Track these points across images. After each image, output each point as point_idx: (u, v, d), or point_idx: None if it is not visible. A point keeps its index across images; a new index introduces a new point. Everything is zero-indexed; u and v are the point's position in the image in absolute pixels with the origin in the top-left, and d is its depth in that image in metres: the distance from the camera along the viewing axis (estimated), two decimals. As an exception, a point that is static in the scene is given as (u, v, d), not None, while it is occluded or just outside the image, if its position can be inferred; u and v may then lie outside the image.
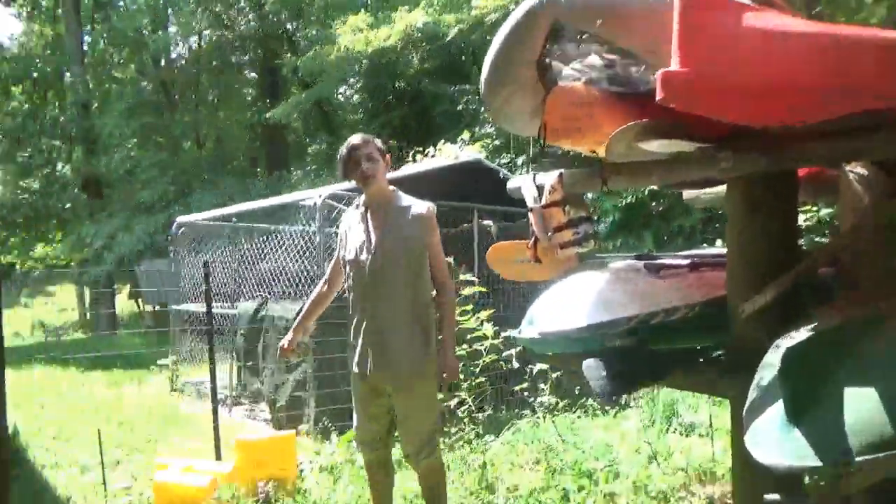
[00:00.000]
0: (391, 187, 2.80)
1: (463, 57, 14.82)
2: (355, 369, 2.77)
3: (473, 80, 15.17)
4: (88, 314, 20.47)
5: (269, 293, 6.86)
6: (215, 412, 3.82)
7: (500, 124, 2.43)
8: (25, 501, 3.66)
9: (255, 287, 6.67)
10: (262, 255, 6.99)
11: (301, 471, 3.76)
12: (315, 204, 5.42)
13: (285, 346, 2.88)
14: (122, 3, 20.54)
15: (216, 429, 3.77)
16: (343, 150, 2.72)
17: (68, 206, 18.93)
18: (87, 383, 8.01)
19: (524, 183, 2.59)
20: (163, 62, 21.12)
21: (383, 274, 2.67)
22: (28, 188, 19.73)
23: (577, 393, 4.97)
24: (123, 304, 21.32)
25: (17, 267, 21.23)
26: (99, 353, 9.46)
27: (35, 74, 19.73)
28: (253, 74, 22.07)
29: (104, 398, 6.98)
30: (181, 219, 7.71)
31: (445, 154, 8.64)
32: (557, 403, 4.52)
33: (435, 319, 2.77)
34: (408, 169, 6.82)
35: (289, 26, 19.10)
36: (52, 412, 6.14)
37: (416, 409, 2.69)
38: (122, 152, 17.33)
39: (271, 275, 6.86)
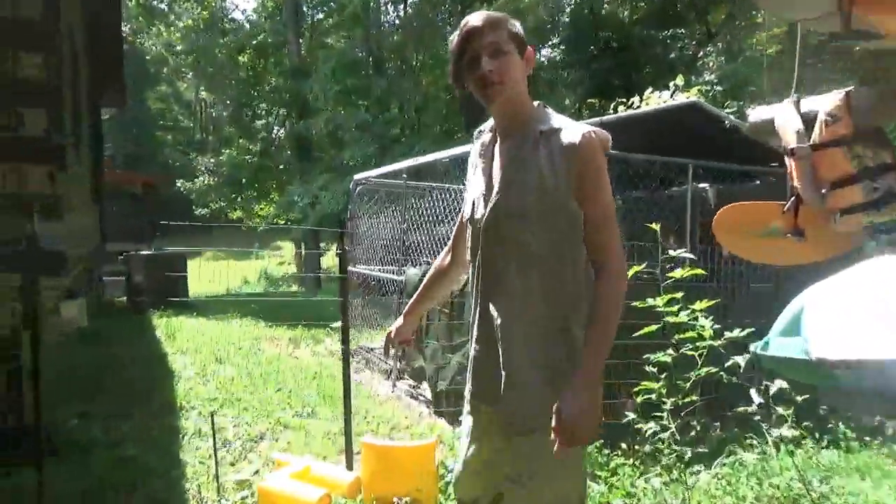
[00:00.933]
0: (535, 103, 1.73)
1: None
2: (466, 392, 1.84)
3: (690, 25, 13.22)
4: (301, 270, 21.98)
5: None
6: (348, 421, 3.08)
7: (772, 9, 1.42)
8: (121, 476, 3.31)
9: (425, 252, 6.04)
10: (435, 217, 6.33)
11: (447, 483, 2.99)
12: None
13: (392, 335, 2.05)
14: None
15: (348, 433, 3.06)
16: (454, 38, 1.69)
17: (282, 167, 20.23)
18: (269, 338, 8.06)
19: (781, 111, 1.60)
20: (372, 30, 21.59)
21: (502, 245, 1.65)
22: (251, 150, 21.39)
23: (825, 417, 3.62)
24: (331, 262, 22.58)
25: (243, 222, 23.31)
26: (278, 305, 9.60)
27: (255, 42, 21.10)
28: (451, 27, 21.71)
29: (276, 357, 6.86)
30: (358, 176, 7.31)
31: (653, 104, 7.28)
32: (803, 438, 3.24)
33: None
34: (600, 118, 5.67)
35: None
36: (224, 368, 6.07)
37: (535, 473, 1.58)
38: (325, 114, 17.88)
39: (443, 239, 6.18)
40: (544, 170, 1.61)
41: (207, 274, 17.76)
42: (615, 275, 1.57)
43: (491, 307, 1.68)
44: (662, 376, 2.61)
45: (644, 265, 2.58)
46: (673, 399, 2.63)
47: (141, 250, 12.89)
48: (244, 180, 20.48)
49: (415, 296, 2.07)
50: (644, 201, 5.26)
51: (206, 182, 21.32)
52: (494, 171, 1.72)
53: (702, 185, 6.74)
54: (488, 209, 1.68)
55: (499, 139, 1.75)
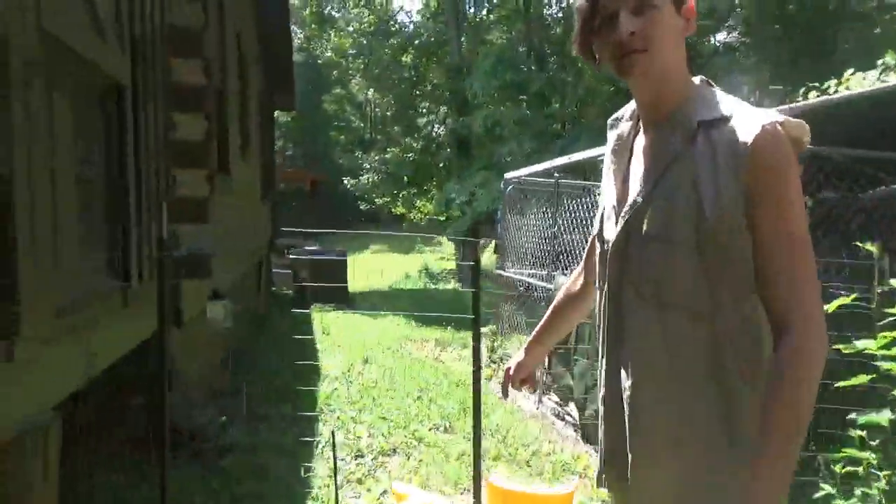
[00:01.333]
0: (696, 79, 1.25)
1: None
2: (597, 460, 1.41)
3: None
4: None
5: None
6: (477, 460, 2.71)
7: None
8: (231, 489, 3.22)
9: (578, 258, 5.54)
10: (589, 219, 5.82)
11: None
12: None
13: (510, 371, 1.65)
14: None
15: (476, 473, 2.70)
16: None
17: (441, 164, 20.46)
18: (417, 340, 7.99)
19: None
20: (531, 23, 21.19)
21: (640, 275, 1.21)
22: (413, 148, 21.86)
23: None
24: (489, 260, 22.53)
25: (405, 218, 23.95)
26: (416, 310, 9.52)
27: (417, 42, 21.51)
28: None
29: (421, 361, 6.73)
30: (509, 174, 6.97)
31: (855, 88, 6.17)
32: None
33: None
34: (788, 106, 4.81)
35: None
36: (370, 369, 6.03)
37: None
38: (485, 111, 17.73)
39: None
40: (701, 176, 1.13)
41: (370, 267, 18.44)
42: (807, 338, 1.07)
43: (618, 357, 1.26)
44: (874, 443, 1.99)
45: (852, 295, 1.96)
46: (887, 473, 1.99)
47: (308, 245, 13.60)
48: (406, 178, 21.00)
49: (540, 322, 1.67)
50: (845, 205, 4.38)
51: (370, 179, 22.15)
52: (632, 175, 1.26)
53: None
54: (619, 227, 1.24)
55: (640, 129, 1.29)
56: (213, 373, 4.30)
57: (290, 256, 11.76)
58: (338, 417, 4.49)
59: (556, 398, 5.16)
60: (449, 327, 8.67)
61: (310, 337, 7.31)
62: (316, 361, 5.97)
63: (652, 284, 1.19)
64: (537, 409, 5.15)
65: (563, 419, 4.86)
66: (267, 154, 10.94)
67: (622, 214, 1.25)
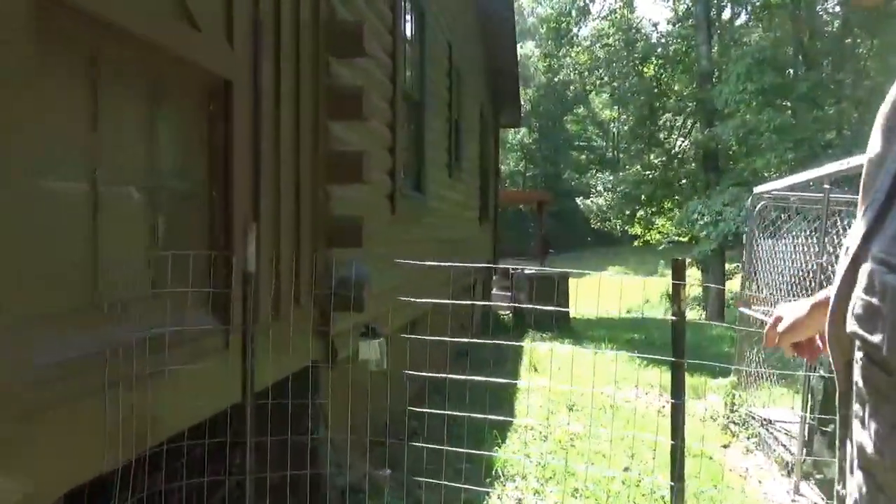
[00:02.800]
0: None
1: None
2: None
3: None
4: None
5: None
6: None
7: None
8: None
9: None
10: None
11: None
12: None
13: (776, 321, 1.18)
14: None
15: None
16: None
17: (683, 181, 18.59)
18: (641, 383, 6.83)
19: None
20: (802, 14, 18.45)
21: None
22: (651, 164, 20.25)
23: None
24: (736, 286, 20.01)
25: (639, 239, 22.29)
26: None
27: (660, 50, 19.95)
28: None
29: (639, 413, 5.61)
30: (759, 188, 5.58)
31: None
32: None
33: None
34: None
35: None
36: (570, 419, 5.12)
37: None
38: (736, 119, 15.64)
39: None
40: None
41: (605, 289, 17.29)
42: None
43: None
44: None
45: None
46: None
47: (531, 266, 12.98)
48: (644, 196, 19.46)
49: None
50: None
51: (606, 199, 20.97)
52: None
53: None
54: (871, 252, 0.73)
55: None
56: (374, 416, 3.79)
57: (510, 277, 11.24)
58: (516, 487, 3.68)
59: (818, 491, 3.77)
60: (700, 373, 7.34)
61: (513, 373, 6.61)
62: (511, 406, 5.23)
63: None
64: (793, 499, 3.82)
65: (829, 522, 3.50)
66: (487, 176, 10.57)
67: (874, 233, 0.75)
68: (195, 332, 2.04)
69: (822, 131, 15.93)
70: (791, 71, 18.09)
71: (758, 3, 19.68)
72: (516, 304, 10.21)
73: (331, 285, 3.02)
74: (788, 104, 17.06)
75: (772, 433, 4.83)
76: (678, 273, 2.18)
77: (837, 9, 19.24)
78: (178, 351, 1.93)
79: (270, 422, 2.56)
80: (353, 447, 3.41)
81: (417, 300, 3.49)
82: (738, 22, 21.31)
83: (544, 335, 9.52)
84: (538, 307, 9.53)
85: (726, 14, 21.26)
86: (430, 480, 3.11)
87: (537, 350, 7.78)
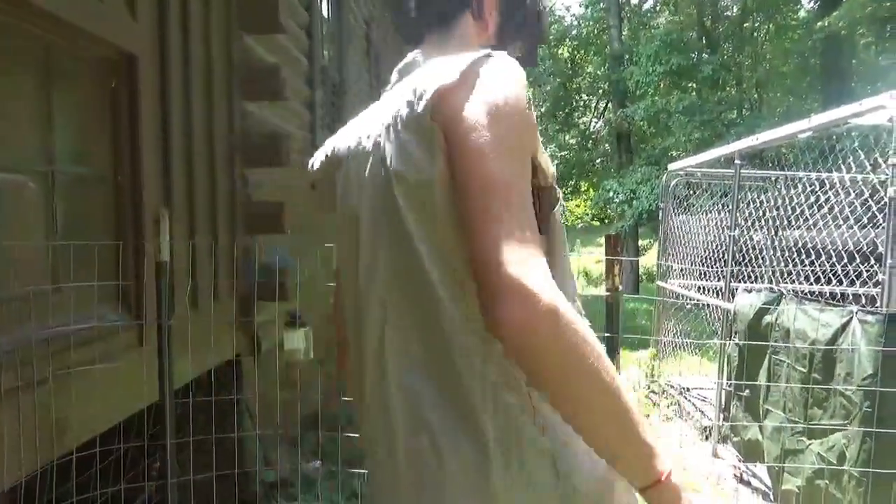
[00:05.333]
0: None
1: None
2: None
3: None
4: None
5: (794, 280, 4.43)
6: None
7: None
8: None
9: (767, 267, 4.30)
10: (784, 217, 4.56)
11: None
12: (893, 119, 2.77)
13: None
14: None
15: None
16: None
17: (599, 160, 19.08)
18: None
19: None
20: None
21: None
22: (567, 144, 20.68)
23: None
24: (650, 262, 20.79)
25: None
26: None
27: (574, 33, 20.33)
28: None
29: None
30: (673, 165, 5.76)
31: None
32: None
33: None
34: None
35: None
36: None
37: None
38: (647, 100, 16.17)
39: (799, 250, 4.42)
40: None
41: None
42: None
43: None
44: None
45: None
46: None
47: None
48: (559, 176, 19.88)
49: None
50: None
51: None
52: None
53: None
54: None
55: None
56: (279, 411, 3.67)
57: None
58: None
59: (735, 452, 3.95)
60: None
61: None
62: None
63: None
64: (713, 463, 3.99)
65: (746, 484, 3.68)
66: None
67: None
68: (105, 329, 1.88)
69: (724, 112, 16.69)
70: (695, 54, 18.83)
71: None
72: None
73: (252, 274, 2.87)
74: (694, 86, 17.78)
75: (690, 401, 5.03)
76: (612, 248, 2.19)
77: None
78: (86, 350, 1.77)
79: (193, 420, 2.41)
80: (282, 441, 3.29)
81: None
82: (646, 6, 21.99)
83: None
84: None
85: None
86: (366, 471, 3.04)
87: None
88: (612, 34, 18.44)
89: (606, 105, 20.42)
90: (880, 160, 2.98)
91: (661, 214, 5.90)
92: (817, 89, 17.03)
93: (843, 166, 3.78)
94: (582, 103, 21.37)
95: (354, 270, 0.98)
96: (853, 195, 3.97)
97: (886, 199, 2.69)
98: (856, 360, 2.66)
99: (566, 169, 19.55)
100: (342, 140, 1.07)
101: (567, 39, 20.59)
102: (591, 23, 20.66)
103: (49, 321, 1.67)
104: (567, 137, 21.04)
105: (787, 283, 4.89)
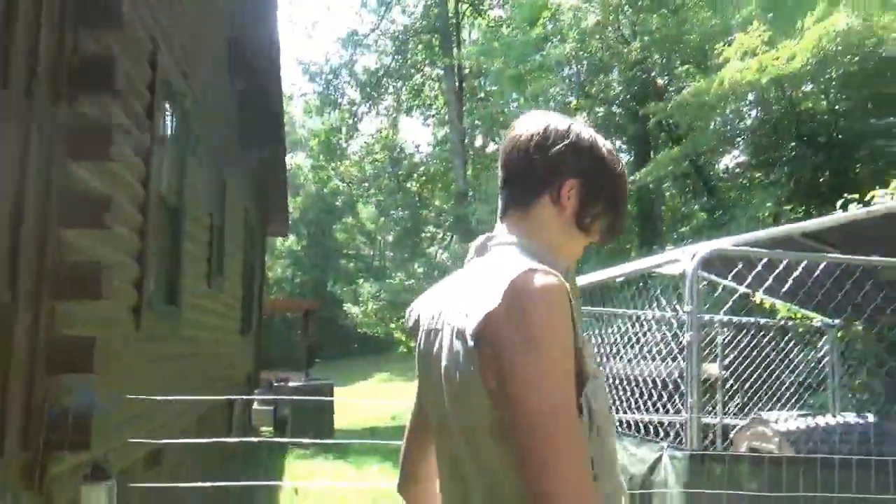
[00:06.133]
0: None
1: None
2: None
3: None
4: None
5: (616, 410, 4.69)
6: None
7: None
8: None
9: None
10: (608, 353, 4.91)
11: None
12: (685, 273, 3.13)
13: None
14: (493, 90, 21.23)
15: None
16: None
17: (445, 290, 19.76)
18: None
19: None
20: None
21: None
22: (414, 273, 21.26)
23: None
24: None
25: (404, 345, 22.83)
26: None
27: (422, 169, 21.58)
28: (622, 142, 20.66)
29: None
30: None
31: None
32: None
33: None
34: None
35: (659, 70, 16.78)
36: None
37: None
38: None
39: (622, 380, 4.73)
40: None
41: (375, 398, 17.16)
42: None
43: None
44: None
45: None
46: None
47: (297, 378, 12.51)
48: (407, 304, 20.20)
49: None
50: None
51: (371, 306, 21.33)
52: None
53: None
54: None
55: None
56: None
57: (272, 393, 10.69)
58: None
59: None
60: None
61: (270, 498, 6.13)
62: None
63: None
64: None
65: None
66: (252, 284, 10.18)
67: None
68: None
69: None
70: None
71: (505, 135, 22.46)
72: (277, 419, 9.67)
73: (48, 420, 2.55)
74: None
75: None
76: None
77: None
78: None
79: None
80: None
81: (157, 441, 3.10)
82: (489, 149, 24.01)
83: (307, 452, 9.09)
84: (301, 421, 9.14)
85: (478, 142, 23.85)
86: None
87: (299, 470, 7.37)
88: (457, 173, 19.82)
89: (452, 237, 21.46)
90: (677, 307, 3.34)
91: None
92: (634, 231, 19.18)
93: (654, 307, 4.20)
94: (429, 234, 22.28)
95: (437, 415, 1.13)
96: (665, 329, 4.39)
97: (685, 344, 3.00)
98: (668, 498, 2.83)
99: (413, 296, 19.93)
100: (427, 305, 1.23)
101: (415, 175, 21.76)
102: (437, 161, 22.12)
103: None
104: (415, 266, 21.67)
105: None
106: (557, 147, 1.12)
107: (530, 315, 0.94)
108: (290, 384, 10.48)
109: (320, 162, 26.30)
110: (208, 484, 3.17)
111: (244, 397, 8.38)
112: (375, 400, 18.17)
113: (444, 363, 1.04)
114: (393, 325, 21.64)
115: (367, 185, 22.93)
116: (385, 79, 22.93)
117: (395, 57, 22.58)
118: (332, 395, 10.36)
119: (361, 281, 22.81)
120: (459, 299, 1.07)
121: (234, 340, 8.48)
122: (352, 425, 12.84)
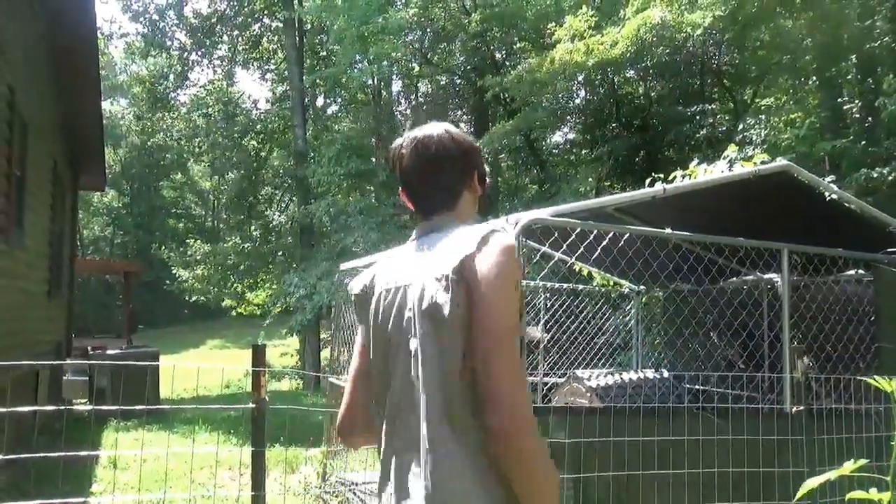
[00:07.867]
0: None
1: (701, 69, 12.01)
2: None
3: (720, 99, 12.30)
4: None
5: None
6: None
7: None
8: None
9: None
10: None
11: None
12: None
13: None
14: (335, 49, 20.77)
15: None
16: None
17: (281, 253, 19.18)
18: (235, 465, 6.60)
19: None
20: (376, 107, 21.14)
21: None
22: (250, 235, 20.45)
23: None
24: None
25: (236, 310, 21.95)
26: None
27: (259, 127, 20.63)
28: (462, 112, 21.17)
29: (233, 501, 5.40)
30: (345, 265, 6.08)
31: (701, 177, 6.08)
32: None
33: None
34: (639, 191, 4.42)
35: (497, 46, 17.37)
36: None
37: None
38: (328, 199, 16.98)
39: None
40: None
41: (205, 366, 16.39)
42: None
43: None
44: None
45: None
46: None
47: (117, 346, 11.60)
48: (242, 267, 19.38)
49: None
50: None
51: (201, 270, 20.20)
52: None
53: (768, 276, 5.46)
54: None
55: None
56: None
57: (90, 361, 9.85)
58: None
59: None
60: (277, 445, 7.35)
61: (87, 472, 5.71)
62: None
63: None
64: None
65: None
66: (61, 242, 9.21)
67: None
68: None
69: (399, 215, 18.28)
70: (374, 159, 20.51)
71: (346, 98, 22.00)
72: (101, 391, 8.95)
73: None
74: (372, 189, 19.24)
75: (358, 496, 5.13)
76: (257, 359, 2.17)
77: (409, 111, 22.77)
78: None
79: None
80: None
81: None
82: (329, 111, 23.42)
83: (129, 423, 8.53)
84: (121, 392, 8.52)
85: (320, 101, 23.17)
86: None
87: (124, 438, 6.92)
88: (297, 132, 19.16)
89: (291, 199, 20.83)
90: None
91: (333, 311, 6.11)
92: (472, 201, 19.86)
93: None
94: (267, 195, 21.46)
95: (384, 366, 1.41)
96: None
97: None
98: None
99: (248, 259, 19.19)
100: (382, 271, 1.47)
101: (252, 132, 20.76)
102: (276, 118, 21.19)
103: None
104: (252, 228, 20.83)
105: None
106: (463, 155, 1.48)
107: (499, 257, 1.27)
108: (108, 352, 9.71)
109: (144, 112, 24.18)
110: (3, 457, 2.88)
111: (49, 363, 7.62)
112: (203, 364, 17.40)
113: (419, 303, 1.30)
114: (226, 291, 20.70)
115: (198, 140, 21.44)
116: (219, 25, 21.45)
117: (231, 2, 21.18)
118: (157, 363, 9.76)
119: (192, 242, 21.48)
120: (431, 258, 1.34)
121: (40, 304, 7.67)
122: (181, 395, 12.25)
